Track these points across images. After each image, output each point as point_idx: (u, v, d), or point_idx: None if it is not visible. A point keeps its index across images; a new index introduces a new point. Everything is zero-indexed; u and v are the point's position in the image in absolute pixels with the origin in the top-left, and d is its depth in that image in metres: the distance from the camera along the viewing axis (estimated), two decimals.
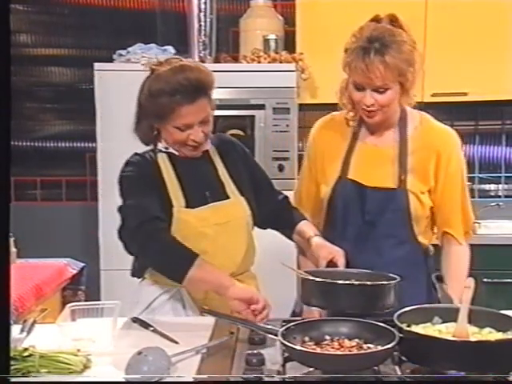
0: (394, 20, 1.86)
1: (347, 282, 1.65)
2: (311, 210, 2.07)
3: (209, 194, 1.92)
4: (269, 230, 2.08)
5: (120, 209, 1.87)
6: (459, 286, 1.73)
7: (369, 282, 1.65)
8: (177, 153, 1.92)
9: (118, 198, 1.91)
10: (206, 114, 1.85)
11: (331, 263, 1.79)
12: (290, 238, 2.04)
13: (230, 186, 1.96)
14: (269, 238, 2.09)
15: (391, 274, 1.67)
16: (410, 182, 1.90)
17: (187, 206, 1.87)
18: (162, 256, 1.78)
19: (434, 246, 2.02)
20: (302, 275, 1.69)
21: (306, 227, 1.96)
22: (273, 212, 2.04)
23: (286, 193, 2.13)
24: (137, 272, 1.97)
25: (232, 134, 2.62)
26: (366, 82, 1.80)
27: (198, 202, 1.89)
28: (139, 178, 1.88)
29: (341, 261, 1.79)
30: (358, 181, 1.93)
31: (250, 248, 1.99)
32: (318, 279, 1.65)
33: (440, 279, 1.74)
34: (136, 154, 1.94)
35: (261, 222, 2.02)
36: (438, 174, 1.93)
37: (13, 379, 1.37)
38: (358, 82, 1.83)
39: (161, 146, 1.93)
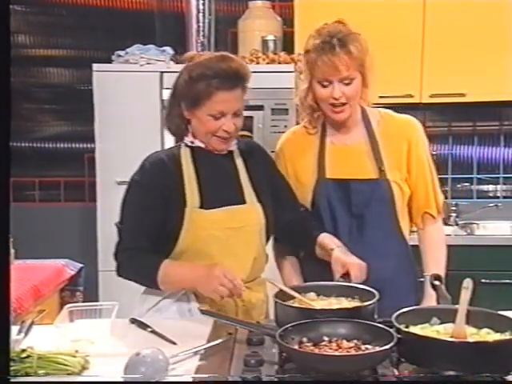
0: (343, 24, 1.93)
1: (324, 307, 1.63)
2: None
3: (226, 196, 1.90)
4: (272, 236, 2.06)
5: (117, 226, 1.90)
6: (439, 261, 2.02)
7: (347, 305, 1.64)
8: (203, 145, 1.90)
9: (117, 198, 1.91)
10: (240, 105, 1.86)
11: (346, 275, 1.78)
12: (310, 251, 1.99)
13: (248, 191, 1.94)
14: (270, 244, 2.08)
15: (372, 290, 1.65)
16: (389, 172, 1.96)
17: (201, 207, 1.86)
18: (136, 275, 1.85)
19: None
20: (276, 300, 1.64)
21: (328, 240, 1.91)
22: (292, 222, 2.01)
23: None
24: None
25: (241, 135, 2.61)
26: (334, 74, 1.86)
27: (213, 204, 1.87)
28: (145, 189, 1.87)
29: (354, 273, 1.77)
30: (338, 178, 1.97)
31: (261, 256, 1.97)
32: (295, 305, 1.63)
33: (438, 279, 1.74)
34: (157, 152, 1.95)
35: (279, 231, 2.01)
36: (409, 160, 2.00)
37: (13, 379, 1.37)
38: (324, 78, 1.89)
39: (187, 140, 1.92)
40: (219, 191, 1.90)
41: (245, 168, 1.97)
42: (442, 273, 1.95)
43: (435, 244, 2.07)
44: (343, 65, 1.85)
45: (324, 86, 1.90)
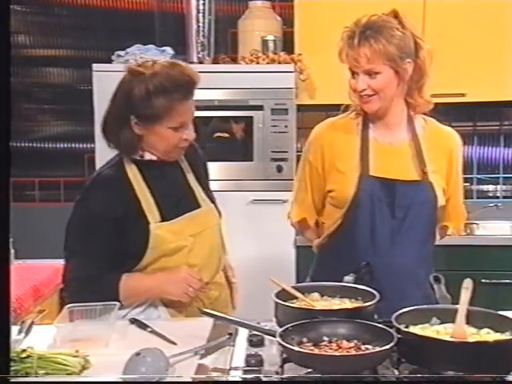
0: (395, 16, 1.90)
1: (324, 308, 1.62)
2: (310, 214, 2.05)
3: (182, 204, 1.90)
4: (272, 236, 2.06)
5: (66, 257, 1.86)
6: None
7: (348, 306, 1.64)
8: (155, 158, 1.87)
9: None
10: (194, 112, 1.85)
11: None
12: None
13: (200, 194, 1.96)
14: (270, 244, 2.08)
15: (373, 291, 1.64)
16: (431, 175, 1.92)
17: (162, 220, 1.84)
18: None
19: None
20: (276, 300, 1.61)
21: None
22: None
23: (284, 193, 2.13)
24: None
25: (218, 137, 2.57)
26: (356, 66, 1.85)
27: (172, 214, 1.86)
28: (94, 214, 1.83)
29: None
30: (384, 176, 1.91)
31: (222, 253, 2.00)
32: (295, 306, 1.61)
33: (437, 280, 1.73)
34: (100, 172, 1.92)
35: None
36: (449, 173, 1.97)
37: (13, 379, 1.37)
38: (351, 69, 1.87)
39: (136, 155, 1.87)
40: (175, 201, 1.89)
41: (191, 170, 1.97)
42: None
43: None
44: (362, 57, 1.81)
45: (353, 77, 1.88)
